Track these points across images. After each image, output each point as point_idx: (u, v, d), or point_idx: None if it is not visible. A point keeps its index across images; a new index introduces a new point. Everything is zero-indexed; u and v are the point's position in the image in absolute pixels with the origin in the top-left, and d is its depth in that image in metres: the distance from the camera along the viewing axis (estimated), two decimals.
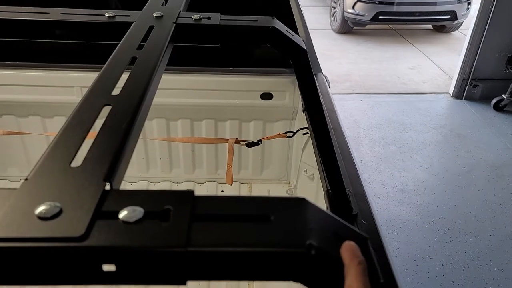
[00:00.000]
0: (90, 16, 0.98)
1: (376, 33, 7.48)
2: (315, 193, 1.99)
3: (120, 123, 0.57)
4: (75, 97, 2.08)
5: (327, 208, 1.31)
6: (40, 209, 0.42)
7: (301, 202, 0.46)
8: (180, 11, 1.04)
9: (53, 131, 2.22)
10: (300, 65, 1.04)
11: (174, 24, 0.95)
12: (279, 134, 1.95)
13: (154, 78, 0.72)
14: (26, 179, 0.47)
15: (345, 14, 6.72)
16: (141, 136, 2.18)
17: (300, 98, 1.99)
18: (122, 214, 0.42)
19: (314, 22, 7.78)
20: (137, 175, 2.39)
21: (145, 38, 0.87)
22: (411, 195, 3.53)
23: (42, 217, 0.41)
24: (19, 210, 0.42)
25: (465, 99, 5.07)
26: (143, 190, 0.46)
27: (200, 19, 0.99)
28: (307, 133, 1.92)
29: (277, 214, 0.44)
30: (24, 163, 2.33)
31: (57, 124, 2.21)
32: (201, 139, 2.11)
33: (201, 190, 2.34)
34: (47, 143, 2.27)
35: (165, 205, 0.44)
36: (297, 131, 1.94)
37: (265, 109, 2.16)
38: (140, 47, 0.82)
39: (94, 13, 0.99)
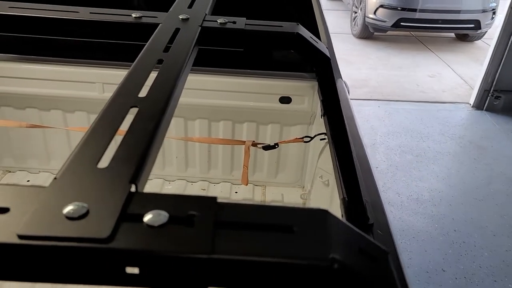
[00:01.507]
0: (118, 16, 1.00)
1: (396, 40, 7.41)
2: (329, 200, 1.98)
3: (147, 125, 0.58)
4: (97, 93, 2.12)
5: (342, 216, 1.31)
6: (68, 209, 0.43)
7: (324, 214, 0.46)
8: (205, 14, 1.05)
9: (74, 126, 2.25)
10: (323, 72, 1.04)
11: (200, 28, 0.95)
12: (296, 138, 1.94)
13: (179, 80, 0.73)
14: (55, 178, 0.48)
15: (366, 19, 6.67)
16: None
17: (319, 103, 1.99)
18: (147, 218, 0.43)
19: (334, 26, 7.74)
20: (153, 173, 2.41)
21: (171, 40, 0.88)
22: (426, 205, 3.48)
23: (69, 217, 0.42)
24: (48, 209, 0.43)
25: (486, 110, 4.99)
26: (168, 194, 0.47)
27: (225, 23, 1.00)
28: (324, 138, 1.91)
29: (301, 225, 0.44)
30: (43, 156, 2.37)
31: (78, 119, 2.25)
32: (218, 140, 2.12)
33: (215, 191, 2.35)
34: (67, 137, 2.31)
35: (190, 211, 0.44)
36: (315, 136, 1.94)
37: (283, 113, 2.16)
38: (166, 49, 0.83)
39: (121, 13, 1.01)
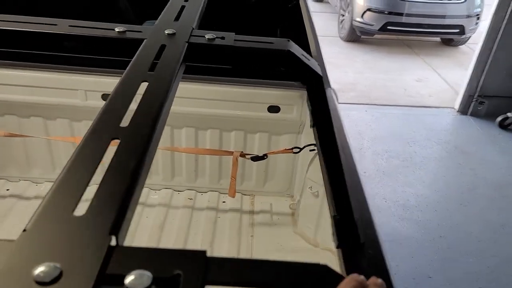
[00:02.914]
0: (100, 30, 0.94)
1: (383, 43, 7.44)
2: (318, 211, 1.96)
3: (129, 162, 0.53)
4: (79, 100, 2.05)
5: (333, 234, 1.27)
6: (39, 271, 0.38)
7: (324, 271, 0.42)
8: (192, 29, 1.00)
9: (55, 133, 2.18)
10: (314, 89, 1.00)
11: (187, 44, 0.91)
12: (286, 149, 1.91)
13: (165, 105, 0.68)
14: (24, 230, 0.43)
15: (354, 22, 6.69)
16: None
17: (308, 112, 1.95)
18: (128, 280, 0.39)
19: (321, 28, 7.73)
20: None
21: (157, 57, 0.83)
22: (412, 211, 3.48)
23: (40, 282, 0.37)
24: (16, 270, 0.38)
25: (470, 115, 5.03)
26: (151, 248, 0.42)
27: (214, 38, 0.96)
28: (314, 149, 1.88)
29: (300, 285, 0.40)
30: (24, 163, 2.29)
31: (59, 126, 2.17)
32: (205, 150, 2.07)
33: (202, 200, 2.30)
34: (48, 145, 2.23)
35: (175, 270, 0.40)
36: (304, 147, 1.90)
37: (272, 122, 2.12)
38: (151, 68, 0.79)
39: (103, 27, 0.95)
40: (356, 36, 6.96)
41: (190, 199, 2.32)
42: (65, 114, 2.14)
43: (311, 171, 1.98)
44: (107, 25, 0.97)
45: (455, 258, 3.09)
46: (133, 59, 0.81)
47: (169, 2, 1.14)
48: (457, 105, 5.13)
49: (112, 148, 0.57)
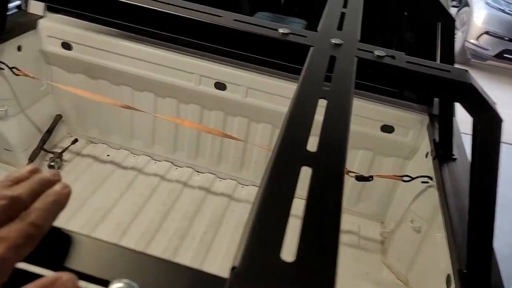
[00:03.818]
0: (263, 28, 0.89)
1: (494, 71, 6.83)
2: (417, 247, 1.80)
3: (328, 197, 0.46)
4: (193, 84, 2.06)
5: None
6: None
7: None
8: (357, 41, 0.92)
9: (163, 111, 2.22)
10: (486, 133, 0.87)
11: (356, 58, 0.83)
12: (395, 175, 1.77)
13: (348, 127, 0.61)
14: (233, 268, 0.38)
15: (466, 43, 6.21)
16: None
17: (427, 140, 1.80)
18: None
19: None
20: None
21: (328, 68, 0.76)
22: None
23: None
24: None
25: None
26: None
27: (383, 56, 0.86)
28: (427, 182, 1.72)
29: None
30: (127, 134, 2.38)
31: (168, 105, 2.21)
32: None
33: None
34: (153, 121, 2.29)
35: None
36: (417, 177, 1.75)
37: (381, 142, 1.99)
38: (325, 82, 0.71)
39: (267, 26, 0.90)
40: (466, 58, 6.46)
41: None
42: (175, 94, 2.17)
43: (417, 204, 1.82)
44: (270, 24, 0.92)
45: None
46: (304, 69, 0.75)
47: (326, 6, 1.06)
48: None
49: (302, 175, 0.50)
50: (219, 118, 2.19)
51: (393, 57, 0.86)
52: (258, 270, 0.38)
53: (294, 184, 0.48)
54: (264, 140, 2.18)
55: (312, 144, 0.56)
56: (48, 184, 0.42)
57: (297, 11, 2.90)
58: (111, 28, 2.06)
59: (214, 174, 2.36)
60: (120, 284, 0.36)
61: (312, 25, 1.21)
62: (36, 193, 0.40)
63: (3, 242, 0.35)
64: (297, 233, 0.43)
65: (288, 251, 0.43)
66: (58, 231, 0.41)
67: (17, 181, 0.41)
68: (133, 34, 2.04)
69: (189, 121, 2.07)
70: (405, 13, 2.29)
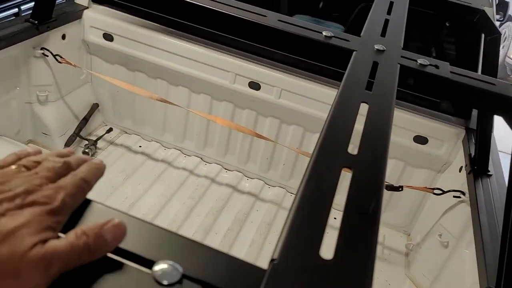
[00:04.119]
0: (307, 30, 0.90)
1: None
2: (443, 262, 1.76)
3: (368, 199, 0.47)
4: (227, 82, 2.08)
5: None
6: None
7: None
8: (401, 48, 0.91)
9: (196, 106, 2.25)
10: None
11: (399, 65, 0.82)
12: (426, 188, 1.74)
13: (388, 134, 0.60)
14: (272, 260, 0.39)
15: (507, 59, 6.02)
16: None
17: (462, 154, 1.76)
18: None
19: None
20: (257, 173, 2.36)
21: (371, 74, 0.76)
22: None
23: None
24: None
25: None
26: None
27: (426, 65, 0.85)
28: (459, 197, 1.69)
29: None
30: (159, 127, 2.42)
31: (201, 101, 2.25)
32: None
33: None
34: (186, 115, 2.33)
35: None
36: (448, 191, 1.72)
37: (413, 153, 1.95)
38: (368, 87, 0.71)
39: (311, 28, 0.91)
40: (505, 74, 6.27)
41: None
42: (209, 90, 2.20)
43: (446, 218, 1.79)
44: (314, 26, 0.92)
45: None
46: (346, 72, 0.75)
47: (370, 12, 1.06)
48: None
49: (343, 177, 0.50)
50: (251, 118, 2.20)
51: (436, 66, 0.85)
52: (296, 265, 0.39)
53: (334, 184, 0.48)
54: (294, 143, 2.18)
55: (351, 147, 0.57)
56: (87, 160, 0.50)
57: (334, 16, 2.89)
58: (152, 22, 2.11)
59: (241, 172, 2.37)
60: (165, 265, 0.37)
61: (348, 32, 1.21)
62: (80, 162, 0.49)
63: (63, 190, 0.42)
64: (334, 232, 0.44)
65: (326, 249, 0.43)
66: (107, 210, 0.43)
67: (62, 156, 0.49)
68: (173, 30, 2.08)
69: (221, 118, 2.09)
70: (447, 24, 2.25)
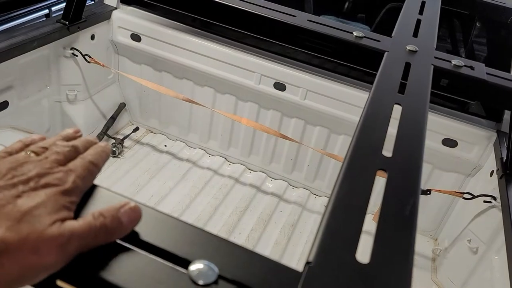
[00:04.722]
0: (337, 31, 0.89)
1: None
2: (472, 268, 1.71)
3: (404, 202, 0.46)
4: (253, 83, 2.09)
5: None
6: None
7: None
8: (434, 49, 0.89)
9: (221, 106, 2.27)
10: None
11: (432, 66, 0.80)
12: (456, 192, 1.70)
13: (423, 138, 0.59)
14: (308, 263, 0.38)
15: None
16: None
17: (493, 158, 1.71)
18: None
19: None
20: (279, 173, 2.36)
21: (403, 75, 0.74)
22: None
23: None
24: None
25: None
26: None
27: (461, 66, 0.83)
28: (490, 202, 1.64)
29: None
30: (185, 126, 2.45)
31: (226, 101, 2.26)
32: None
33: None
34: (211, 116, 2.34)
35: None
36: (479, 196, 1.67)
37: (442, 156, 1.91)
38: (400, 89, 0.70)
39: (341, 28, 0.90)
40: None
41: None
42: (234, 91, 2.21)
43: (476, 223, 1.74)
44: (344, 26, 0.91)
45: None
46: (379, 73, 0.74)
47: (401, 13, 1.04)
48: None
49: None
50: (276, 118, 2.20)
51: (471, 67, 0.83)
52: (333, 268, 0.38)
53: (369, 187, 0.48)
54: (319, 144, 2.17)
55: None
56: (93, 142, 0.52)
57: (359, 17, 2.86)
58: (179, 23, 2.13)
59: (265, 173, 2.37)
60: (201, 265, 0.37)
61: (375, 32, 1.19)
62: (86, 146, 0.50)
63: (73, 172, 0.44)
64: (367, 234, 0.43)
65: (360, 252, 0.42)
66: (142, 209, 0.43)
67: (68, 139, 0.51)
68: (200, 30, 2.10)
69: (246, 119, 2.09)
70: (477, 24, 2.19)
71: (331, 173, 2.24)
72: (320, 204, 2.27)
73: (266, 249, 1.96)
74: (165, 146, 2.46)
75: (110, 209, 0.41)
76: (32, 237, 0.36)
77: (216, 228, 2.00)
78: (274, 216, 2.14)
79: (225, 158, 2.42)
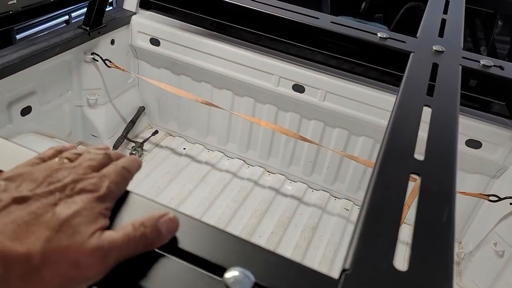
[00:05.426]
0: (361, 32, 0.88)
1: None
2: (498, 272, 1.68)
3: (440, 207, 0.45)
4: (271, 85, 2.08)
5: None
6: None
7: None
8: (461, 48, 0.87)
9: (238, 109, 2.27)
10: None
11: (461, 67, 0.79)
12: (481, 194, 1.66)
13: (456, 136, 0.58)
14: (344, 270, 0.37)
15: None
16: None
17: None
18: None
19: None
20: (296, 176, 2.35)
21: (431, 77, 0.73)
22: None
23: None
24: None
25: None
26: None
27: (490, 66, 0.81)
28: None
29: None
30: (203, 129, 2.46)
31: (244, 103, 2.26)
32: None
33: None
34: (229, 118, 2.34)
35: None
36: (505, 198, 1.63)
37: (465, 157, 1.87)
38: (429, 91, 0.69)
39: (365, 30, 0.89)
40: None
41: (347, 209, 2.22)
42: (252, 93, 2.21)
43: (502, 226, 1.70)
44: (368, 27, 0.90)
45: None
46: (405, 75, 0.72)
47: (425, 13, 1.02)
48: None
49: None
50: (294, 120, 2.19)
51: (501, 67, 0.81)
52: (370, 275, 0.37)
53: (403, 192, 0.47)
54: (338, 146, 2.15)
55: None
56: (124, 154, 0.53)
57: (377, 17, 2.83)
58: (197, 27, 2.14)
59: (284, 175, 2.36)
60: (236, 273, 0.37)
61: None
62: (118, 156, 0.51)
63: (106, 178, 0.44)
64: (402, 241, 0.42)
65: (396, 259, 0.41)
66: (178, 216, 0.43)
67: (100, 149, 0.51)
68: (217, 33, 2.10)
69: (265, 121, 2.09)
70: (499, 22, 2.15)
71: (351, 175, 2.22)
72: (340, 206, 2.25)
73: (286, 253, 1.94)
74: (184, 149, 2.47)
75: (150, 219, 0.41)
76: (72, 250, 0.35)
77: (236, 231, 2.00)
78: (294, 219, 2.13)
79: (244, 161, 2.42)
